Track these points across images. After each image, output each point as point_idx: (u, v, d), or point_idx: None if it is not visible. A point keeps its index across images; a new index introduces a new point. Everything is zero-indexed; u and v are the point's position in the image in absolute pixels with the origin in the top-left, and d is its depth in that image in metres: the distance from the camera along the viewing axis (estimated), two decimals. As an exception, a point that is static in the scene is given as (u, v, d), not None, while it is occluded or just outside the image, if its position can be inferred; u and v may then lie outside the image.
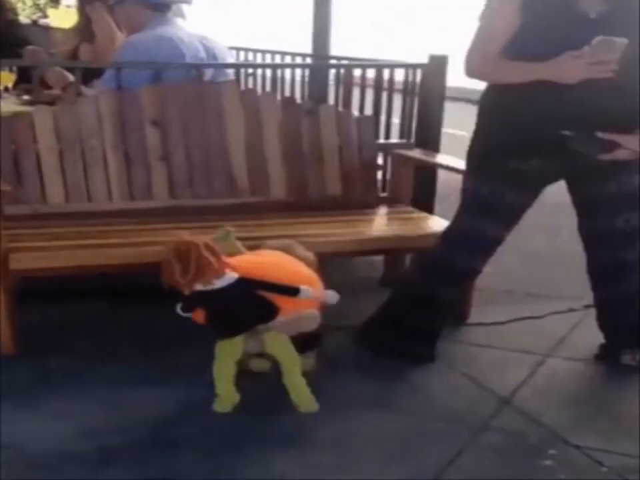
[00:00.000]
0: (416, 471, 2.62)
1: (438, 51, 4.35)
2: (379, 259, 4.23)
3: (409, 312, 3.35)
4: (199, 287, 2.70)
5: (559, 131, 3.02)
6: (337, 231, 3.70)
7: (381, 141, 4.39)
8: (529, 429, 2.89)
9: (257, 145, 4.04)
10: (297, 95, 4.58)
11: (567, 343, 3.57)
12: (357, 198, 4.12)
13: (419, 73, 4.34)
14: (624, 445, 2.79)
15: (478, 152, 3.30)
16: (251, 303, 2.78)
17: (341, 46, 5.76)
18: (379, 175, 4.37)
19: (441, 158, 4.19)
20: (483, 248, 3.30)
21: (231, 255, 2.88)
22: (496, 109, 3.21)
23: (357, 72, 4.41)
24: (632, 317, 3.33)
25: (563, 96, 3.01)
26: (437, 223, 3.86)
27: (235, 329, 2.84)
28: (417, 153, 4.23)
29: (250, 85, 5.01)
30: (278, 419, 2.88)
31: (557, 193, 3.40)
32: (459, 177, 3.72)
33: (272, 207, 3.96)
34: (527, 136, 3.12)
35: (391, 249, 3.85)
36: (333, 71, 4.87)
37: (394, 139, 4.45)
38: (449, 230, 3.40)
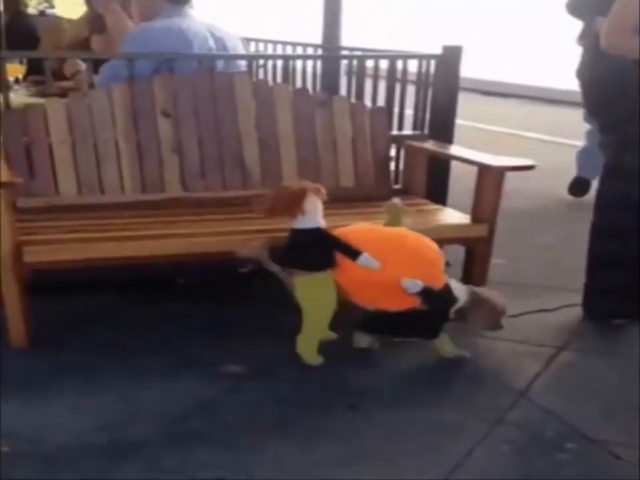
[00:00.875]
0: (433, 464, 2.61)
1: (451, 42, 4.32)
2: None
3: None
4: (292, 221, 3.07)
5: None
6: (350, 224, 3.67)
7: (394, 132, 4.36)
8: (545, 422, 2.87)
9: (269, 137, 4.02)
10: (309, 87, 4.55)
11: (581, 336, 3.56)
12: (370, 190, 4.10)
13: (432, 64, 4.31)
14: (641, 438, 2.77)
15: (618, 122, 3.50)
16: (315, 250, 3.07)
17: (352, 37, 5.72)
18: (393, 166, 4.35)
19: (455, 149, 4.17)
20: None
21: (392, 225, 3.26)
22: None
23: (370, 63, 4.39)
24: None
25: None
26: (451, 215, 3.84)
27: (293, 263, 3.10)
28: (430, 145, 4.21)
29: (261, 76, 4.99)
30: (301, 412, 2.88)
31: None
32: (473, 169, 3.72)
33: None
34: None
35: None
36: (344, 62, 4.85)
37: (407, 131, 4.42)
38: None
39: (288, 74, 4.44)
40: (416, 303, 3.06)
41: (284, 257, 3.10)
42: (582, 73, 4.71)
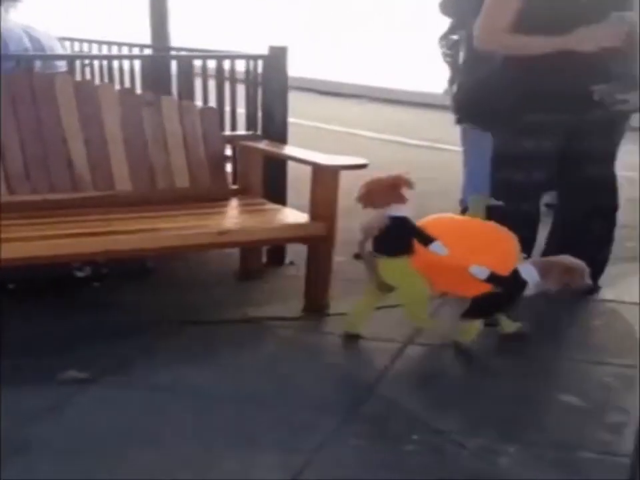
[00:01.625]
0: (282, 462, 2.57)
1: (279, 42, 4.31)
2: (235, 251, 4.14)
3: None
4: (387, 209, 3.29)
5: (574, 87, 3.53)
6: (186, 224, 3.60)
7: (228, 132, 4.30)
8: (392, 415, 2.88)
9: (97, 138, 3.90)
10: (139, 87, 4.44)
11: (425, 331, 3.58)
12: (206, 190, 4.03)
13: (260, 63, 4.28)
14: (484, 427, 2.81)
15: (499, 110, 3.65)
16: (394, 236, 3.30)
17: (185, 37, 5.63)
18: (230, 167, 4.29)
19: (288, 149, 4.15)
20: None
21: (474, 217, 3.45)
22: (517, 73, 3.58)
23: (198, 63, 4.32)
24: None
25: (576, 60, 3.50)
26: (289, 214, 3.81)
27: (380, 249, 3.33)
28: (264, 145, 4.17)
29: (88, 76, 4.83)
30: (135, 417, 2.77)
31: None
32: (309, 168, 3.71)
33: (118, 201, 3.81)
34: (549, 92, 3.55)
35: (244, 242, 3.78)
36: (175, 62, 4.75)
37: (241, 131, 4.37)
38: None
39: (112, 74, 4.32)
40: (487, 288, 3.25)
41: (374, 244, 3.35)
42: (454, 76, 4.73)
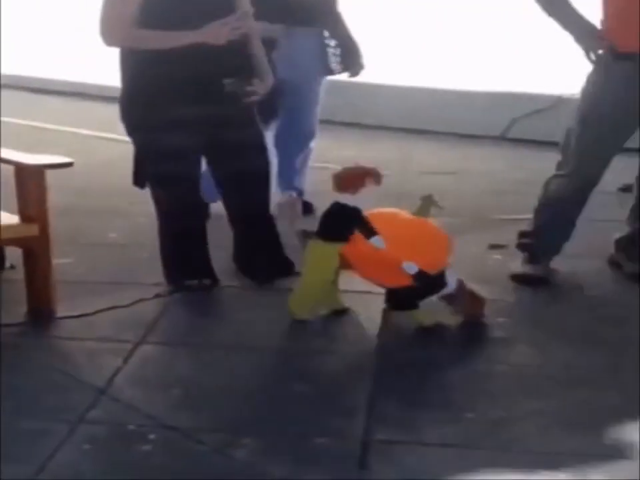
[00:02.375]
0: (11, 474, 2.46)
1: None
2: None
3: None
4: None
5: (206, 81, 3.69)
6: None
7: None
8: (127, 416, 2.83)
9: None
10: None
11: (157, 329, 3.57)
12: None
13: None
14: (221, 423, 2.85)
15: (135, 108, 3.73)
16: (340, 223, 3.49)
17: None
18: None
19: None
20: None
21: (420, 215, 3.61)
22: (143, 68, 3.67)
23: None
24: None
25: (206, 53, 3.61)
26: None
27: (321, 231, 3.52)
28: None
29: None
30: None
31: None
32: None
33: None
34: (180, 87, 3.68)
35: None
36: None
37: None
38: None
39: None
40: (408, 281, 3.44)
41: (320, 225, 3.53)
42: None
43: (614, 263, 4.15)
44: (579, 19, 3.83)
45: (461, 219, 4.71)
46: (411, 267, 3.42)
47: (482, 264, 4.19)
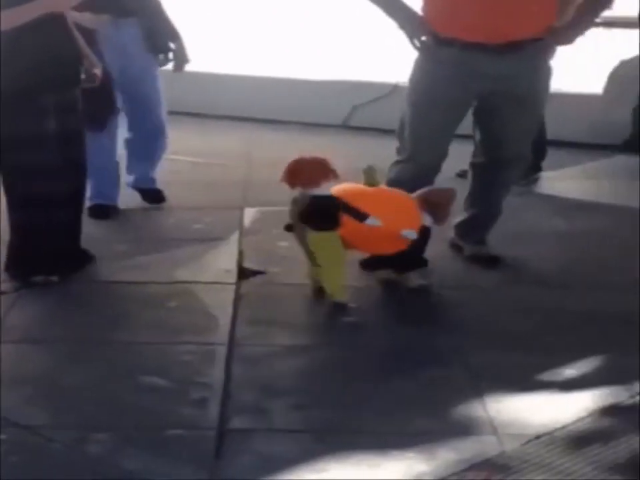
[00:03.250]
0: None
1: None
2: None
3: None
4: (308, 190, 3.61)
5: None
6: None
7: None
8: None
9: None
10: None
11: (5, 326, 3.48)
12: None
13: None
14: (74, 419, 2.82)
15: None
16: (326, 213, 3.61)
17: None
18: None
19: None
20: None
21: (371, 185, 3.75)
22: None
23: None
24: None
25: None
26: None
27: (313, 225, 3.63)
28: None
29: None
30: None
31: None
32: None
33: None
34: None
35: None
36: None
37: None
38: None
39: None
40: (405, 245, 3.66)
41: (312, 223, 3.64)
42: None
43: (455, 246, 4.29)
44: (401, 6, 3.89)
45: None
46: (411, 233, 3.64)
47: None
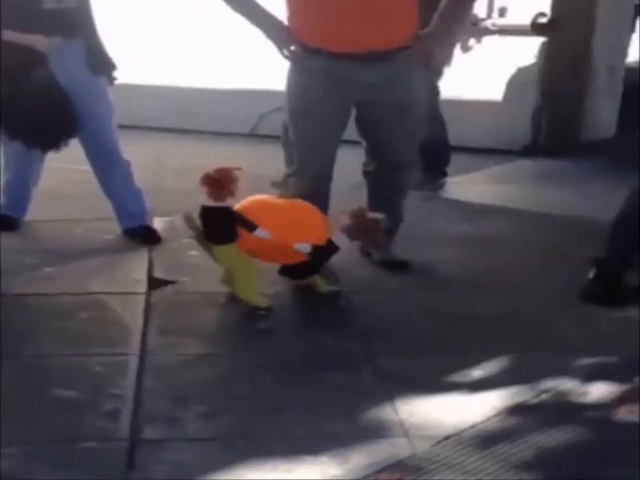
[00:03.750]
0: None
1: None
2: None
3: None
4: (212, 201, 3.65)
5: None
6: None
7: None
8: None
9: None
10: None
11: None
12: None
13: None
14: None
15: None
16: (222, 226, 3.68)
17: None
18: None
19: None
20: None
21: (285, 196, 3.85)
22: None
23: None
24: None
25: None
26: None
27: (211, 238, 3.72)
28: None
29: None
30: None
31: None
32: None
33: None
34: None
35: None
36: None
37: None
38: None
39: None
40: (304, 257, 3.70)
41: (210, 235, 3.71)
42: None
43: (365, 253, 4.34)
44: (267, 16, 3.91)
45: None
46: (304, 247, 3.67)
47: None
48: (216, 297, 3.82)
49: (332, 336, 3.53)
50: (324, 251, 3.76)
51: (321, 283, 3.94)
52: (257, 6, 3.92)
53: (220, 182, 3.62)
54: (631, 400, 3.03)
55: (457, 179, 5.92)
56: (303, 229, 3.76)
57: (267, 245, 3.66)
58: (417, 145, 4.20)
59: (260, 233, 3.64)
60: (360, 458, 2.68)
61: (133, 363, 3.25)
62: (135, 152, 4.65)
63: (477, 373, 3.23)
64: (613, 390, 3.11)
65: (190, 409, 2.94)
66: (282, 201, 3.84)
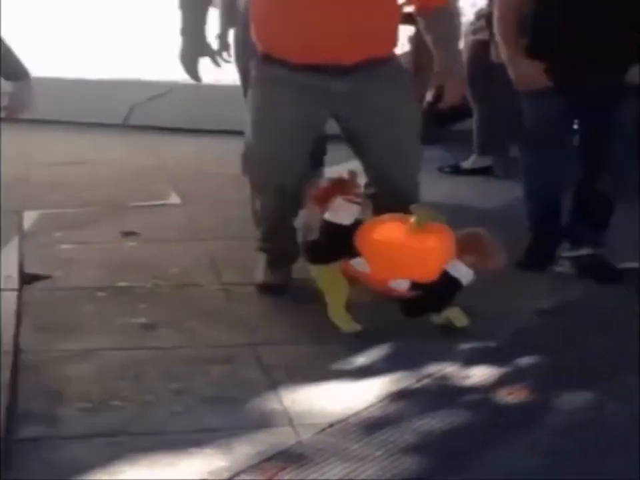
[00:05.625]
0: None
1: None
2: None
3: None
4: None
5: None
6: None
7: None
8: None
9: None
10: None
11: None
12: None
13: None
14: None
15: None
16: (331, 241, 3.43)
17: None
18: None
19: None
20: None
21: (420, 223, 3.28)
22: None
23: None
24: None
25: None
26: None
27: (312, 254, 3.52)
28: None
29: None
30: None
31: None
32: None
33: None
34: None
35: None
36: None
37: None
38: None
39: None
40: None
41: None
42: None
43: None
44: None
45: (93, 208, 4.69)
46: (400, 284, 3.30)
47: (116, 252, 4.19)
48: (91, 291, 3.71)
49: (211, 328, 3.48)
50: (434, 287, 3.30)
51: (455, 318, 3.45)
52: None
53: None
54: (510, 382, 3.09)
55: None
56: (405, 261, 3.32)
57: (365, 276, 3.39)
58: (417, 165, 3.80)
59: (357, 263, 3.33)
60: (244, 448, 2.65)
61: (7, 361, 3.13)
62: (3, 144, 4.49)
63: (360, 359, 3.24)
64: (493, 373, 3.17)
65: (67, 406, 2.87)
66: (409, 224, 3.32)
